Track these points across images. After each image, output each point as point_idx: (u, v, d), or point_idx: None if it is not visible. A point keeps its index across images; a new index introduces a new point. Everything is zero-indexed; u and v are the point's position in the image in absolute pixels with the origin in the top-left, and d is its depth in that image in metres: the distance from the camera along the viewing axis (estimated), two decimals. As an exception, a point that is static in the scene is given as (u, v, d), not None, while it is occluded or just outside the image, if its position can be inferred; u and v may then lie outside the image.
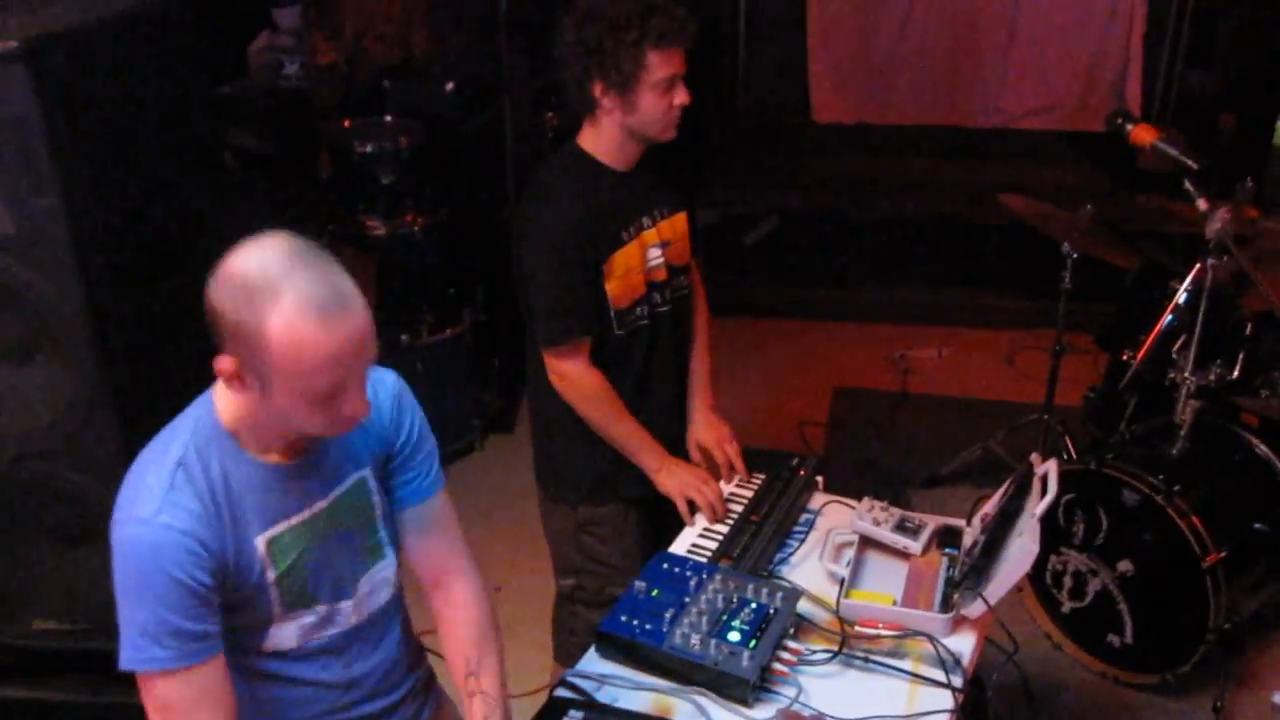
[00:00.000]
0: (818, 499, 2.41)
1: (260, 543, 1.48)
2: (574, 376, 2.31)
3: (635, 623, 1.91)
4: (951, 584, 2.07)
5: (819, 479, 2.46)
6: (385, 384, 1.64)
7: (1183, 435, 2.89)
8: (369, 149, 3.70)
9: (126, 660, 1.41)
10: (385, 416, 1.62)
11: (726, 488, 2.44)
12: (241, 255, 1.33)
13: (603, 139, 2.24)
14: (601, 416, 2.36)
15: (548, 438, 2.50)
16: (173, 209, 2.36)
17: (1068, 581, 3.02)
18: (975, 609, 1.97)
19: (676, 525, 2.36)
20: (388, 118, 3.92)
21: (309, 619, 1.57)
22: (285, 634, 1.56)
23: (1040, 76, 6.33)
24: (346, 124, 3.86)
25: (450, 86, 4.02)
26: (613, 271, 2.27)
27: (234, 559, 1.44)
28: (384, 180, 3.72)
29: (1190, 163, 1.97)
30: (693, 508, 2.34)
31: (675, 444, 2.48)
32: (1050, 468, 2.04)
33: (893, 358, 4.92)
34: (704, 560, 2.15)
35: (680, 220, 2.42)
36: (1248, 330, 2.88)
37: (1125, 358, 2.99)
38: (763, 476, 2.46)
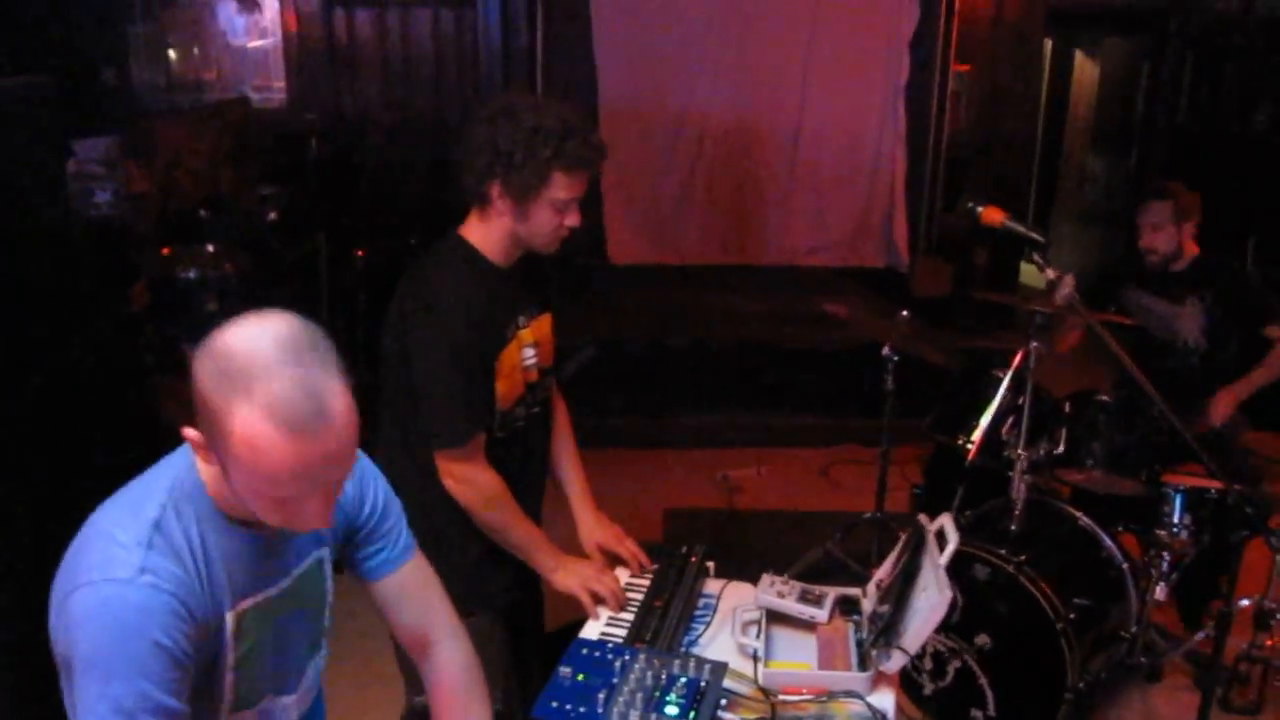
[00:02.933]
0: (713, 584, 2.43)
1: (230, 618, 1.33)
2: (474, 478, 2.24)
3: (568, 708, 1.84)
4: (863, 645, 2.11)
5: (710, 565, 2.47)
6: None
7: (1018, 512, 3.10)
8: (192, 275, 3.55)
9: None
10: (347, 495, 1.52)
11: (623, 579, 2.41)
12: (235, 331, 1.22)
13: (490, 235, 2.22)
14: (502, 517, 2.29)
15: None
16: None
17: (927, 664, 3.12)
18: (894, 663, 2.02)
19: (530, 638, 2.41)
20: (209, 247, 3.79)
21: (248, 718, 1.42)
22: None
23: (818, 219, 6.88)
24: (166, 251, 3.69)
25: (273, 216, 3.94)
26: (500, 370, 2.24)
27: (210, 632, 1.30)
28: (208, 307, 3.56)
29: (1037, 237, 2.20)
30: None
31: None
32: (945, 520, 2.15)
33: (716, 478, 5.05)
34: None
35: (546, 321, 2.42)
36: (1066, 409, 3.17)
37: (961, 442, 3.20)
38: (655, 566, 2.45)
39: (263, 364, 1.18)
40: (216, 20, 6.25)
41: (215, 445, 1.22)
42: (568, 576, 2.31)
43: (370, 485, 1.57)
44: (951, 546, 2.05)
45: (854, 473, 5.05)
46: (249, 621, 1.36)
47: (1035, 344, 2.91)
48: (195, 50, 6.25)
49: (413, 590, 1.64)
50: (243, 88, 6.02)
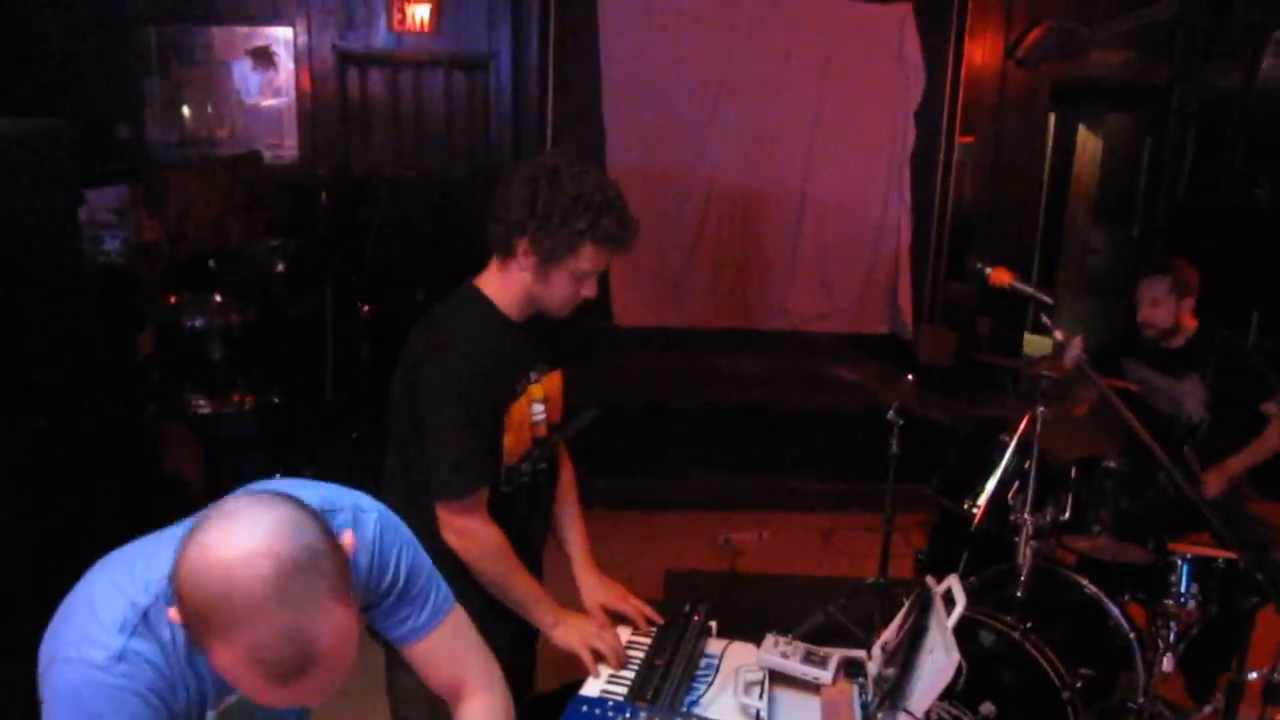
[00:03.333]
0: (715, 644, 2.39)
1: (212, 716, 1.32)
2: (476, 532, 2.20)
3: (568, 764, 1.80)
4: (869, 708, 2.07)
5: (712, 624, 2.43)
6: (363, 528, 1.47)
7: (1024, 578, 3.06)
8: (199, 324, 3.56)
9: None
10: (361, 570, 1.45)
11: (624, 636, 2.37)
12: (230, 543, 1.13)
13: (507, 290, 2.21)
14: (503, 572, 2.25)
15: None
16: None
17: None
18: (901, 726, 1.98)
19: (520, 704, 2.26)
20: (216, 296, 3.80)
21: None
22: None
23: (823, 285, 6.91)
24: (173, 300, 3.71)
25: (281, 268, 3.96)
26: (509, 424, 2.23)
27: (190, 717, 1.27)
28: (214, 356, 3.57)
29: (1045, 298, 2.20)
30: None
31: None
32: (952, 582, 2.12)
33: (718, 542, 5.00)
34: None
35: (556, 378, 2.41)
36: (1072, 474, 3.15)
37: (966, 506, 3.18)
38: (659, 623, 2.41)
39: (245, 608, 1.11)
40: (232, 78, 6.35)
41: (196, 641, 1.18)
42: (568, 633, 2.27)
43: (393, 553, 1.50)
44: (959, 608, 2.03)
45: (857, 539, 5.01)
46: (233, 713, 1.34)
47: (1042, 409, 2.90)
48: (209, 108, 6.34)
49: (445, 651, 1.61)
50: (255, 144, 6.09)
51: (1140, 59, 7.14)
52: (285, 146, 6.46)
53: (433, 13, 6.46)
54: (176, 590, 1.14)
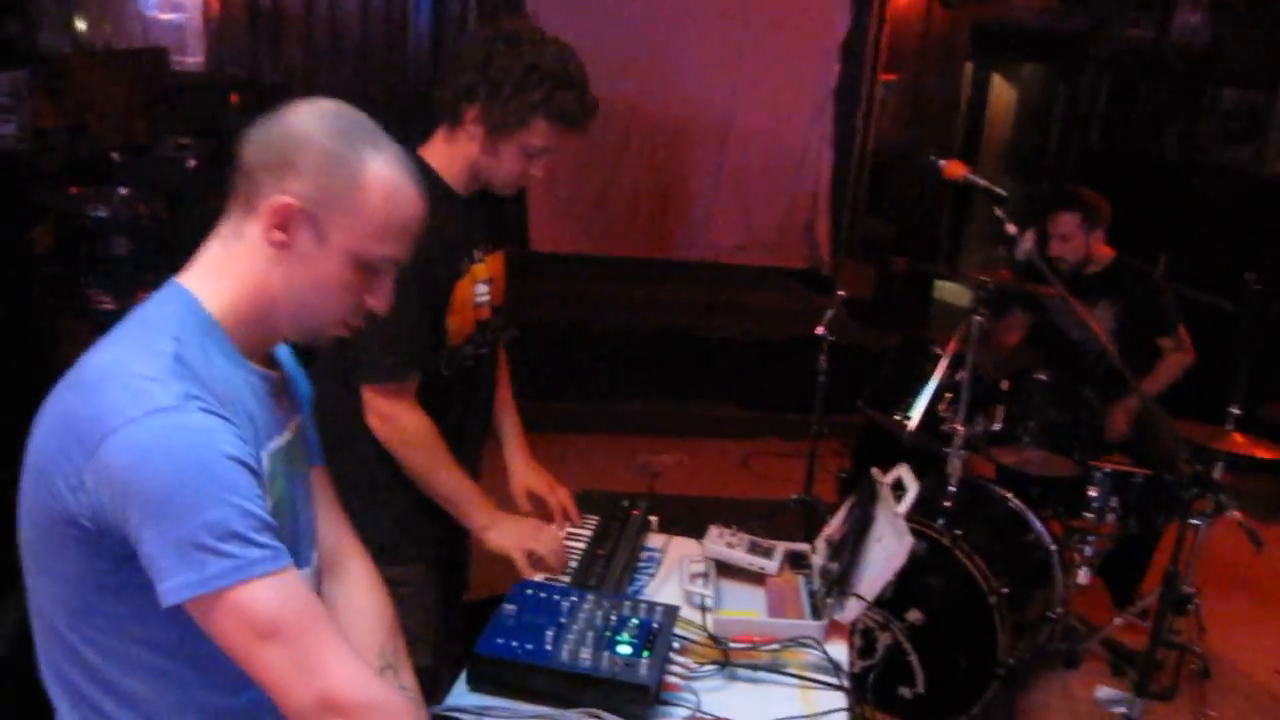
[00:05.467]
0: (656, 538, 2.35)
1: (265, 458, 1.21)
2: (400, 418, 2.08)
3: (514, 644, 1.73)
4: (815, 595, 2.06)
5: (653, 519, 2.39)
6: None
7: (953, 489, 3.09)
8: (102, 213, 3.34)
9: (207, 580, 1.04)
10: (293, 368, 1.42)
11: (558, 535, 2.30)
12: (318, 104, 1.21)
13: (453, 160, 2.07)
14: (427, 463, 2.13)
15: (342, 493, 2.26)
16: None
17: (856, 640, 3.08)
18: (850, 611, 1.97)
19: (456, 599, 2.29)
20: (121, 190, 3.58)
21: None
22: None
23: (743, 217, 6.88)
24: (74, 191, 3.48)
25: (192, 163, 3.75)
26: (453, 305, 2.12)
27: (256, 469, 1.16)
28: (118, 250, 3.36)
29: (999, 191, 2.19)
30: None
31: None
32: (902, 471, 2.11)
33: (636, 465, 4.97)
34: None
35: (500, 259, 2.30)
36: (1003, 386, 3.18)
37: (898, 418, 3.18)
38: (596, 518, 2.36)
39: (370, 124, 1.22)
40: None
41: (322, 208, 1.17)
42: (502, 535, 2.14)
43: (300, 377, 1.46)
44: (912, 493, 2.02)
45: (777, 465, 5.03)
46: (276, 467, 1.24)
47: (978, 318, 2.91)
48: (106, 25, 5.94)
49: (327, 495, 1.53)
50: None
51: (1060, 5, 7.24)
52: (189, 60, 6.12)
53: (349, -82, 6.19)
54: (294, 148, 1.16)
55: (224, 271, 1.21)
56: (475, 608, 2.33)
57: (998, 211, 2.17)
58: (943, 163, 2.22)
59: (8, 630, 1.29)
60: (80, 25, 5.81)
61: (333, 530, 1.52)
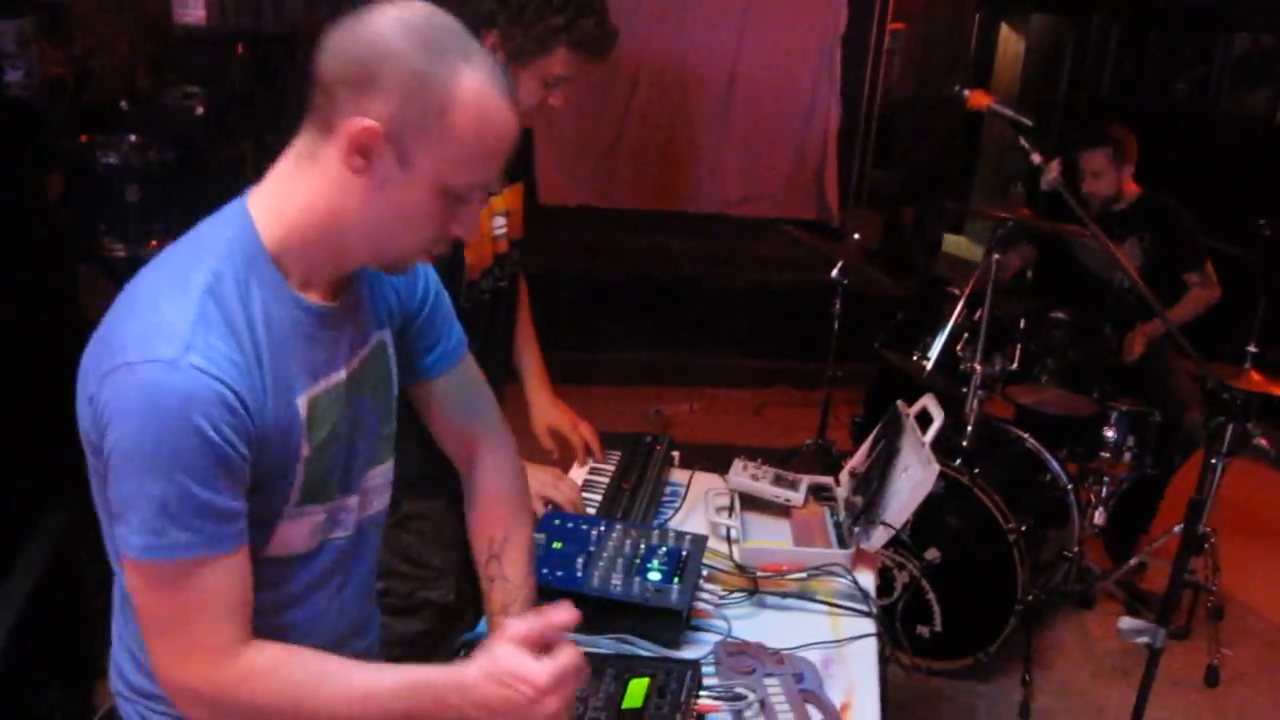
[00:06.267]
0: (678, 474, 2.35)
1: (302, 404, 1.15)
2: None
3: (545, 571, 1.73)
4: (841, 526, 2.06)
5: (675, 454, 2.39)
6: None
7: (971, 428, 3.09)
8: (112, 160, 3.32)
9: (138, 548, 1.05)
10: (394, 279, 1.34)
11: (581, 472, 2.31)
12: (403, 8, 1.10)
13: None
14: None
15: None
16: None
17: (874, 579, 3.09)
18: (877, 539, 1.97)
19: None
20: (131, 136, 3.55)
21: (319, 516, 1.24)
22: (296, 534, 1.22)
23: (751, 169, 6.82)
24: (84, 139, 3.45)
25: (200, 111, 3.72)
26: (469, 238, 2.10)
27: (271, 424, 1.12)
28: (129, 197, 3.34)
29: (1025, 120, 2.16)
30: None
31: None
32: (927, 401, 2.10)
33: (647, 413, 4.97)
34: (590, 520, 2.01)
35: (517, 191, 2.28)
36: (1020, 325, 3.17)
37: (916, 358, 3.17)
38: (618, 454, 2.36)
39: (465, 34, 1.13)
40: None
41: (410, 129, 1.08)
42: None
43: (420, 270, 1.39)
44: (938, 421, 2.02)
45: (789, 413, 5.04)
46: (323, 408, 1.19)
47: (996, 256, 2.89)
48: None
49: (470, 387, 1.50)
50: None
51: (1069, -48, 7.14)
52: (189, 12, 6.05)
53: None
54: (377, 66, 1.07)
55: (292, 195, 1.14)
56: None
57: (1023, 141, 2.15)
58: (967, 93, 2.19)
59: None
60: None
61: (477, 421, 1.52)
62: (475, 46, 1.12)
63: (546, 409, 2.40)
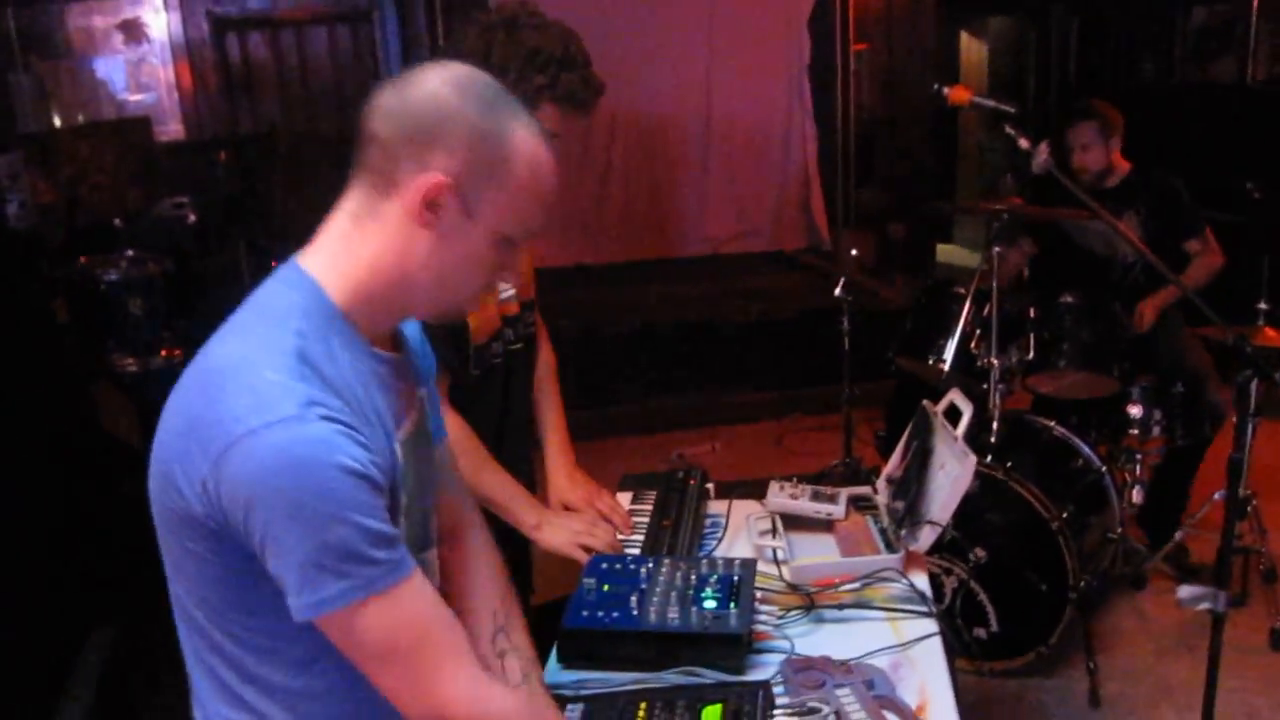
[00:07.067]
0: (716, 505, 2.34)
1: (398, 448, 1.18)
2: None
3: (600, 614, 1.72)
4: (887, 532, 2.05)
5: (709, 486, 2.39)
6: None
7: (996, 425, 3.08)
8: (113, 277, 3.36)
9: (335, 599, 1.05)
10: (418, 341, 1.39)
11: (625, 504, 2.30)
12: (450, 69, 1.17)
13: None
14: (468, 466, 2.09)
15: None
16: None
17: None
18: (925, 538, 1.96)
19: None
20: (129, 252, 3.60)
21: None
22: None
23: (737, 205, 6.88)
24: (83, 260, 3.49)
25: (192, 219, 3.77)
26: None
27: (387, 468, 1.13)
28: (134, 311, 3.37)
29: (1008, 109, 2.18)
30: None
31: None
32: (953, 395, 2.11)
33: (670, 459, 4.96)
34: (635, 560, 2.00)
35: (524, 252, 2.31)
36: (1031, 314, 3.17)
37: (932, 362, 3.17)
38: (653, 493, 2.35)
39: (503, 89, 1.20)
40: (97, 74, 5.96)
41: (475, 182, 1.14)
42: (554, 532, 2.10)
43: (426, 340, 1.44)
44: (968, 413, 2.01)
45: (809, 439, 5.03)
46: (408, 455, 1.21)
47: (997, 249, 2.91)
48: (80, 115, 5.92)
49: (453, 461, 1.52)
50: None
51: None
52: (169, 130, 6.13)
53: (308, -32, 6.22)
54: (439, 126, 1.13)
55: (355, 252, 1.16)
56: (545, 610, 2.30)
57: (1009, 129, 2.16)
58: (947, 90, 2.21)
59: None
60: (55, 117, 5.84)
61: (458, 502, 1.52)
62: (518, 103, 1.19)
63: (563, 487, 2.33)
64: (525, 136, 1.16)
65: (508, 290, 2.21)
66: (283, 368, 1.05)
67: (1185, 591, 2.21)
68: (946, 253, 8.32)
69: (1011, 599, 2.95)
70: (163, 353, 3.44)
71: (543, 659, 1.62)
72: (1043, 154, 2.15)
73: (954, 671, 1.74)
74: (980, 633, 3.00)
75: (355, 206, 1.17)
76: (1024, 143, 2.17)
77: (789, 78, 6.72)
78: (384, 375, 1.20)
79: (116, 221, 3.77)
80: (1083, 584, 2.91)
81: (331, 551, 1.03)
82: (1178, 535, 3.41)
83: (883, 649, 1.71)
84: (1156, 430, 3.19)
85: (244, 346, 1.09)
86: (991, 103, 2.20)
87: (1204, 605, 2.17)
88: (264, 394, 1.03)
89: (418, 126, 1.12)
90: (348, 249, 1.17)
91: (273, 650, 1.17)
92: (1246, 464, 2.11)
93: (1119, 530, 3.25)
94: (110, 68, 5.98)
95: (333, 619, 1.07)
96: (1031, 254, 3.84)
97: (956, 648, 2.88)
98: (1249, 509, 3.25)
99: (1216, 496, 3.27)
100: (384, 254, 1.16)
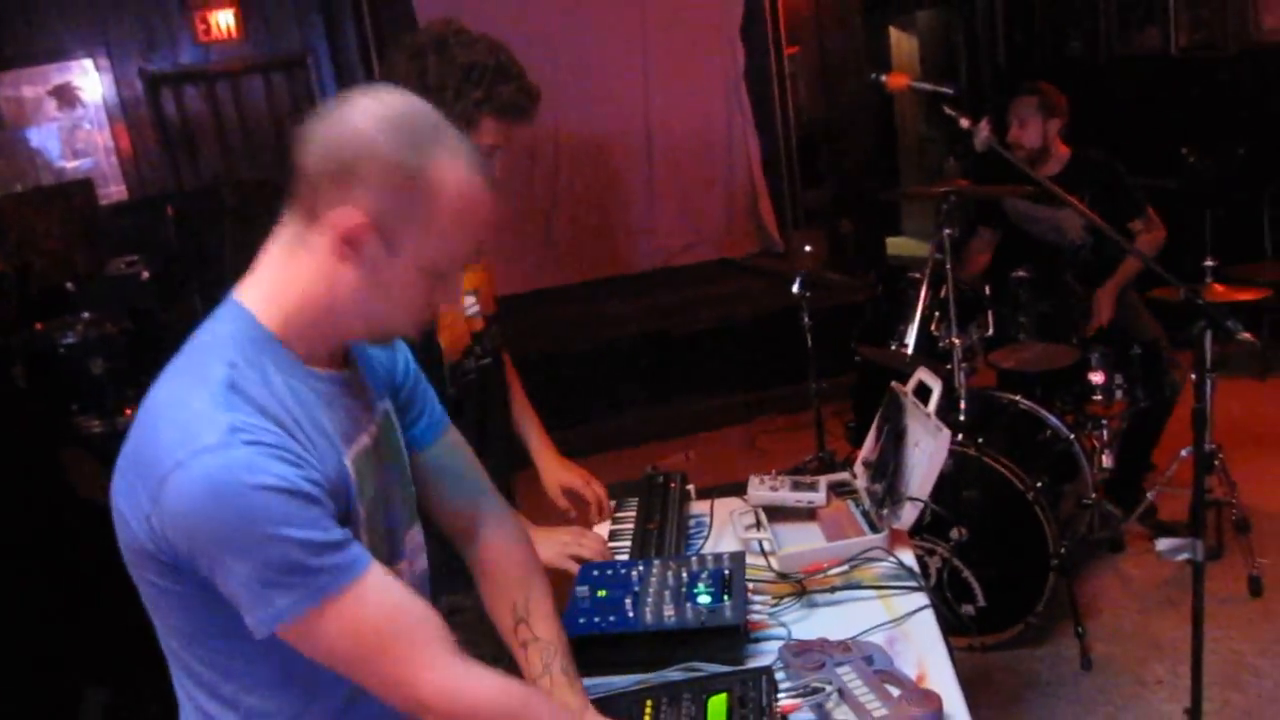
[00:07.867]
0: (699, 505, 2.37)
1: (349, 465, 1.18)
2: None
3: (597, 620, 1.74)
4: (869, 513, 2.08)
5: (690, 488, 2.41)
6: None
7: (963, 403, 3.13)
8: (71, 340, 3.33)
9: (288, 610, 1.06)
10: (373, 351, 1.39)
11: (604, 526, 2.32)
12: (377, 99, 1.15)
13: None
14: None
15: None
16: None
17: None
18: (907, 515, 1.99)
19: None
20: (84, 314, 3.56)
21: None
22: None
23: (686, 216, 6.94)
24: (39, 326, 3.46)
25: (145, 275, 3.75)
26: (441, 322, 2.13)
27: (335, 479, 1.14)
28: (95, 371, 3.34)
29: (946, 90, 2.23)
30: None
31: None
32: (921, 373, 2.14)
33: (645, 472, 4.96)
34: (626, 566, 2.01)
35: (480, 268, 2.32)
36: (986, 292, 3.23)
37: (895, 347, 3.22)
38: (635, 500, 2.37)
39: (437, 119, 1.17)
40: (30, 145, 5.91)
41: (394, 218, 1.12)
42: (544, 547, 2.06)
43: (399, 345, 1.43)
44: (937, 390, 2.05)
45: (782, 439, 5.06)
46: (362, 470, 1.22)
47: (947, 230, 2.96)
48: (19, 186, 5.84)
49: (459, 458, 1.51)
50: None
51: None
52: (110, 192, 6.08)
53: (238, 18, 6.19)
54: (357, 164, 1.11)
55: (286, 281, 1.17)
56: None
57: (948, 110, 2.21)
58: (885, 78, 2.26)
59: None
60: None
61: (471, 495, 1.52)
62: (450, 131, 1.17)
63: (556, 470, 2.41)
64: (450, 170, 1.14)
65: (472, 307, 2.23)
66: (209, 399, 1.07)
67: (1164, 544, 2.26)
68: (896, 245, 8.42)
69: (996, 573, 2.99)
70: (127, 411, 3.40)
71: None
72: (984, 130, 2.20)
73: (949, 641, 1.77)
74: (969, 609, 3.04)
75: (289, 236, 1.18)
76: (965, 122, 2.22)
77: (726, 87, 6.80)
78: (329, 394, 1.21)
79: (69, 285, 3.73)
80: (1063, 550, 2.96)
81: (273, 567, 1.05)
82: (1150, 495, 3.47)
83: (877, 626, 1.74)
84: (1119, 394, 3.25)
85: (176, 384, 1.12)
86: (929, 86, 2.26)
87: (1183, 556, 2.22)
88: (188, 426, 1.05)
89: (338, 162, 1.12)
90: (281, 277, 1.18)
91: (247, 673, 1.18)
92: (1210, 416, 2.16)
93: (1093, 496, 3.31)
94: (45, 136, 5.93)
95: (291, 630, 1.09)
96: (994, 242, 3.89)
97: (950, 620, 2.93)
98: (1216, 462, 3.32)
99: (1184, 453, 3.33)
100: (315, 282, 1.16)
